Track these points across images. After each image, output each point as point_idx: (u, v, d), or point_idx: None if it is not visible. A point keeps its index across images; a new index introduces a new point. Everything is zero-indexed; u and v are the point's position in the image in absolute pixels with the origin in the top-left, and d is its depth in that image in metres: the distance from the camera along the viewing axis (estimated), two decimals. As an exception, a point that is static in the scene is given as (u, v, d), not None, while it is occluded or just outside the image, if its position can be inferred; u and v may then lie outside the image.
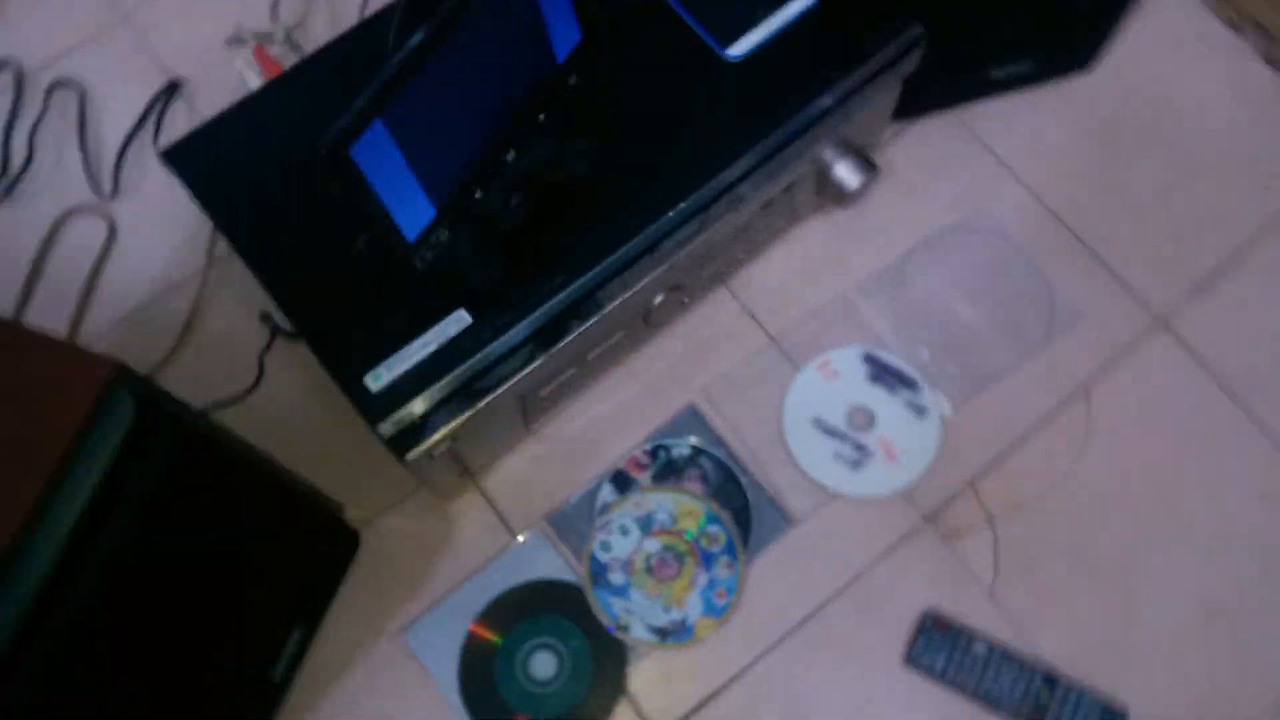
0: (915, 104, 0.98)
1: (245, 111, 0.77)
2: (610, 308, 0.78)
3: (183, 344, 0.96)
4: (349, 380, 0.71)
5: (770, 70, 0.79)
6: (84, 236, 1.00)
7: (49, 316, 0.97)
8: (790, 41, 0.79)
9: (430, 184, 0.62)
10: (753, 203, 0.81)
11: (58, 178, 1.02)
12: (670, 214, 0.75)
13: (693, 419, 0.93)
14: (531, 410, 0.88)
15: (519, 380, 0.77)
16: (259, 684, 0.82)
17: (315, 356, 0.72)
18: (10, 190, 1.01)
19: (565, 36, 0.66)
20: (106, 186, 1.01)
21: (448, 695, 0.86)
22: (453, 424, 0.76)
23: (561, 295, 0.74)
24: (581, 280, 0.74)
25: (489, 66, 0.61)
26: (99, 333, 0.98)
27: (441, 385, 0.71)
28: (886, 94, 0.84)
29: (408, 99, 0.56)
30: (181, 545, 0.63)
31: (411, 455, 0.75)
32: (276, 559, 0.77)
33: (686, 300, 0.92)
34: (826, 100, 0.78)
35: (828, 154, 0.87)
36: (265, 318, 0.73)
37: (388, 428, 0.70)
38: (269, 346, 0.90)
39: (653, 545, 0.89)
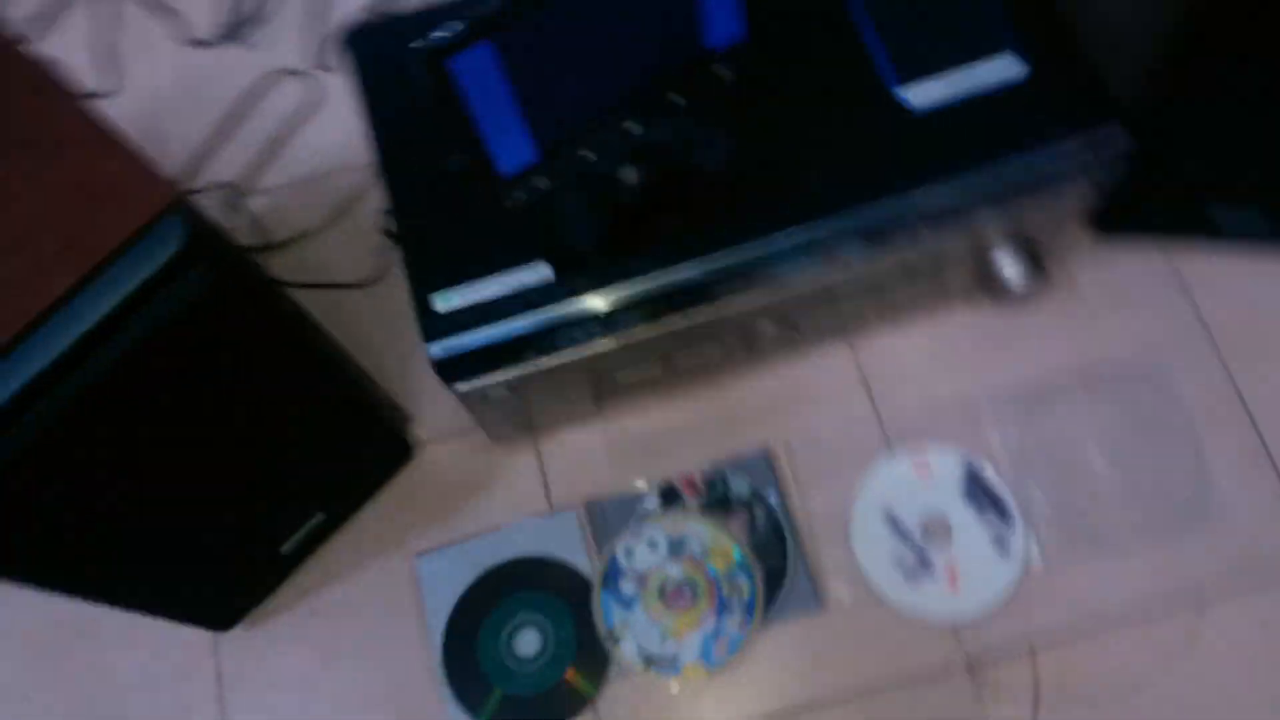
0: (1116, 220, 0.88)
1: (436, 13, 0.79)
2: (702, 316, 0.75)
3: (331, 224, 1.00)
4: (419, 292, 0.71)
5: (943, 122, 0.72)
6: (290, 97, 1.06)
7: (227, 161, 1.04)
8: (975, 100, 0.73)
9: (536, 124, 0.61)
10: (887, 258, 0.75)
11: (283, 33, 1.09)
12: (791, 235, 0.71)
13: (764, 463, 0.88)
14: (605, 391, 0.86)
15: (587, 354, 0.75)
16: (266, 551, 0.84)
17: (402, 262, 0.73)
18: (235, 32, 1.08)
19: (722, 25, 0.63)
20: (327, 56, 1.07)
21: (433, 633, 0.86)
22: (508, 374, 0.75)
23: (651, 282, 0.71)
24: (676, 273, 0.71)
25: (623, 25, 0.59)
26: (264, 187, 1.03)
27: (503, 328, 0.70)
28: (1073, 195, 0.76)
29: (526, 30, 0.55)
30: (212, 388, 0.65)
31: (461, 387, 0.75)
32: (316, 440, 0.79)
33: (799, 339, 0.87)
34: (996, 175, 0.71)
35: (994, 240, 0.79)
36: (385, 216, 0.75)
37: (438, 350, 0.70)
38: (387, 244, 0.93)
39: (675, 570, 0.85)
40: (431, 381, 0.89)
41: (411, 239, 0.73)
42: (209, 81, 1.07)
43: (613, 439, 0.91)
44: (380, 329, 0.96)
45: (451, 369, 0.72)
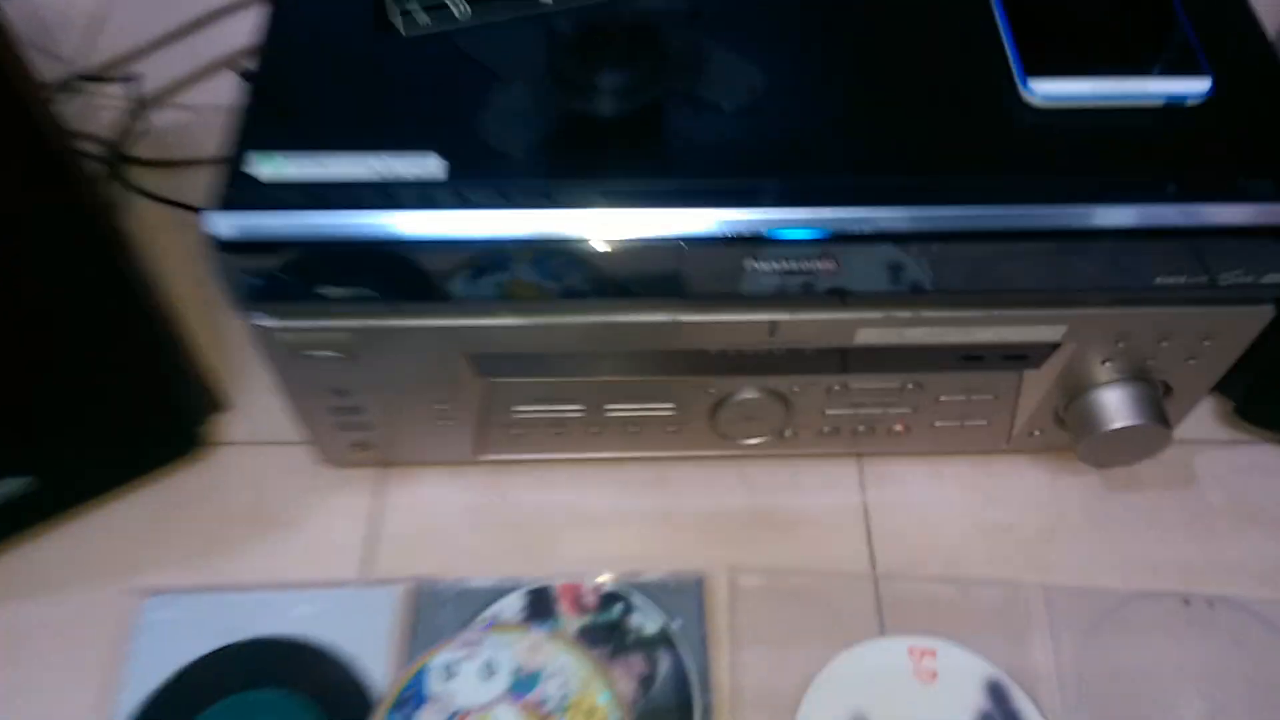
0: (1267, 406, 0.63)
1: None
2: (657, 338, 0.49)
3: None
4: (238, 146, 0.46)
5: (1072, 125, 0.48)
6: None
7: (161, 65, 0.82)
8: (1122, 111, 0.48)
9: None
10: (957, 312, 0.49)
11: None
12: (809, 220, 0.45)
13: (692, 594, 0.58)
14: (493, 426, 0.58)
15: (470, 323, 0.49)
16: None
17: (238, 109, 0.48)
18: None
19: None
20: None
21: (119, 711, 0.54)
22: (340, 320, 0.48)
23: (599, 226, 0.45)
24: (640, 227, 0.45)
25: None
26: (187, 103, 0.81)
27: (349, 228, 0.44)
28: (1248, 314, 0.50)
29: None
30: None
31: (261, 319, 0.48)
32: (67, 368, 0.52)
33: (788, 429, 0.60)
34: (1141, 214, 0.46)
35: (1092, 348, 0.53)
36: (250, 55, 0.50)
37: (229, 228, 0.44)
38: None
39: (507, 717, 0.54)
40: (260, 373, 0.63)
41: (268, 82, 0.48)
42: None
43: (487, 503, 0.62)
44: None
45: (251, 270, 0.45)
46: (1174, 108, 0.48)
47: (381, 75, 0.49)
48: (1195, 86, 0.48)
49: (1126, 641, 0.58)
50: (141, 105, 0.78)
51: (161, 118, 0.79)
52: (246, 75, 0.48)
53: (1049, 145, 0.47)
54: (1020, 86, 0.48)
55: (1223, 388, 0.63)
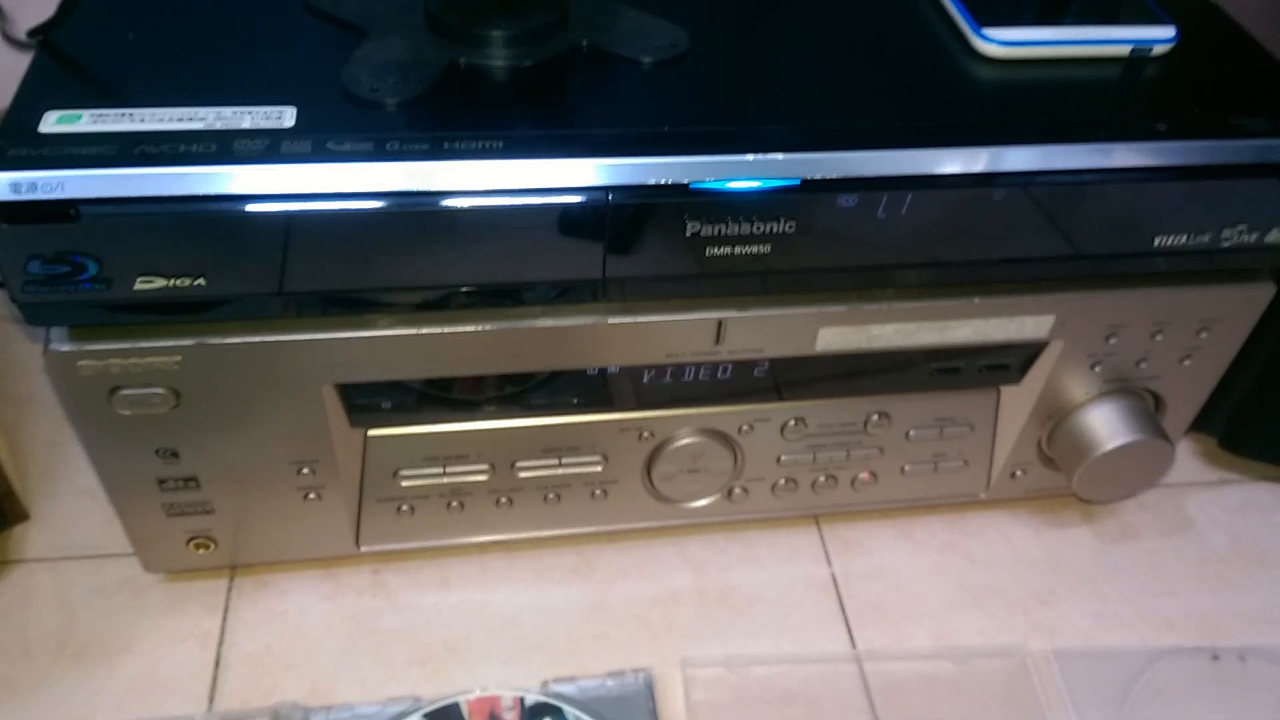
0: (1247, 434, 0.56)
1: None
2: (572, 353, 0.39)
3: None
4: (23, 108, 0.35)
5: (1032, 75, 0.42)
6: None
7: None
8: (1081, 60, 0.43)
9: None
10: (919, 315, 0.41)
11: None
12: (765, 168, 0.37)
13: (640, 700, 0.46)
14: (370, 506, 0.46)
15: (340, 342, 0.38)
16: None
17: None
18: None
19: None
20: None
21: None
22: (160, 341, 0.37)
23: (492, 194, 0.35)
24: (546, 193, 0.36)
25: None
26: None
27: (164, 188, 0.33)
28: (1237, 290, 0.44)
29: None
30: None
31: (52, 333, 0.36)
32: None
33: (736, 491, 0.49)
34: (1129, 160, 0.39)
35: (1080, 347, 0.46)
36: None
37: (7, 188, 0.32)
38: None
39: None
40: (81, 474, 0.51)
41: (73, 35, 0.39)
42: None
43: (369, 609, 0.49)
44: (33, 372, 0.57)
45: (41, 252, 0.34)
46: (1140, 56, 0.43)
47: (219, 26, 0.40)
48: (1161, 33, 0.43)
49: (1160, 709, 0.48)
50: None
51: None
52: (38, 30, 0.38)
53: (1017, 93, 0.41)
54: (975, 36, 0.42)
55: (1202, 424, 0.56)
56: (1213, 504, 0.58)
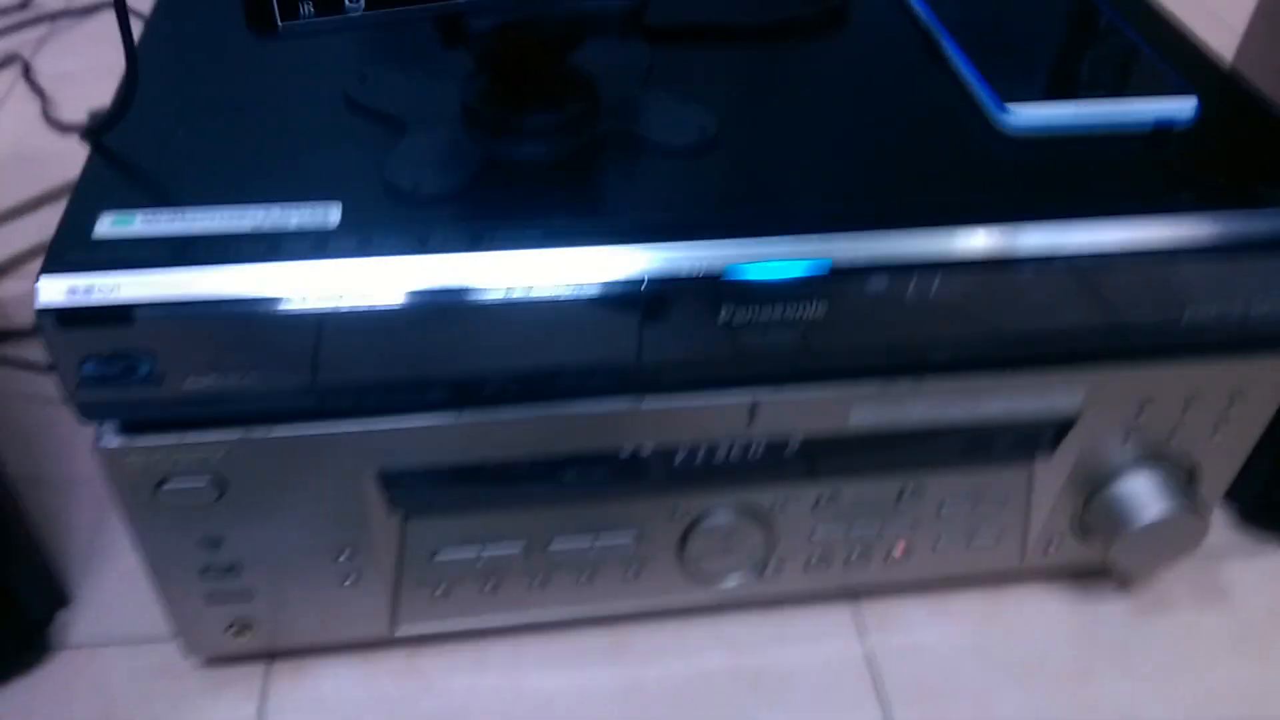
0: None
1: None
2: (605, 435, 0.40)
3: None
4: (78, 212, 0.36)
5: (1054, 153, 0.43)
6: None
7: (19, 232, 0.73)
8: (1107, 138, 0.44)
9: None
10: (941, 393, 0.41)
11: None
12: (798, 252, 0.38)
13: (678, 782, 0.45)
14: (407, 590, 0.46)
15: (383, 433, 0.39)
16: None
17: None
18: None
19: None
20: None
21: None
22: (205, 435, 0.37)
23: (532, 284, 0.36)
24: (582, 284, 0.36)
25: None
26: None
27: (213, 291, 0.34)
28: (1269, 360, 0.44)
29: None
30: None
31: (102, 428, 0.37)
32: None
33: (769, 569, 0.49)
34: (1156, 245, 0.40)
35: (1111, 420, 0.46)
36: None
37: (63, 292, 0.34)
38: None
39: None
40: (120, 557, 0.51)
41: (123, 138, 0.40)
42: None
43: (406, 695, 0.49)
44: (75, 454, 0.58)
45: (95, 353, 0.35)
46: (1162, 131, 0.44)
47: (264, 122, 0.41)
48: (1182, 106, 0.44)
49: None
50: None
51: (8, 288, 0.69)
52: (90, 132, 0.40)
53: (1042, 170, 0.42)
54: (995, 115, 0.43)
55: (1231, 494, 0.56)
56: (1249, 572, 0.57)
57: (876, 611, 0.54)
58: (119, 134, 0.40)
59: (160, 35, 0.47)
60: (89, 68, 0.91)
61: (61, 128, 0.83)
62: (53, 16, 0.98)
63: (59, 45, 0.95)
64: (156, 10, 0.49)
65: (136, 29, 0.42)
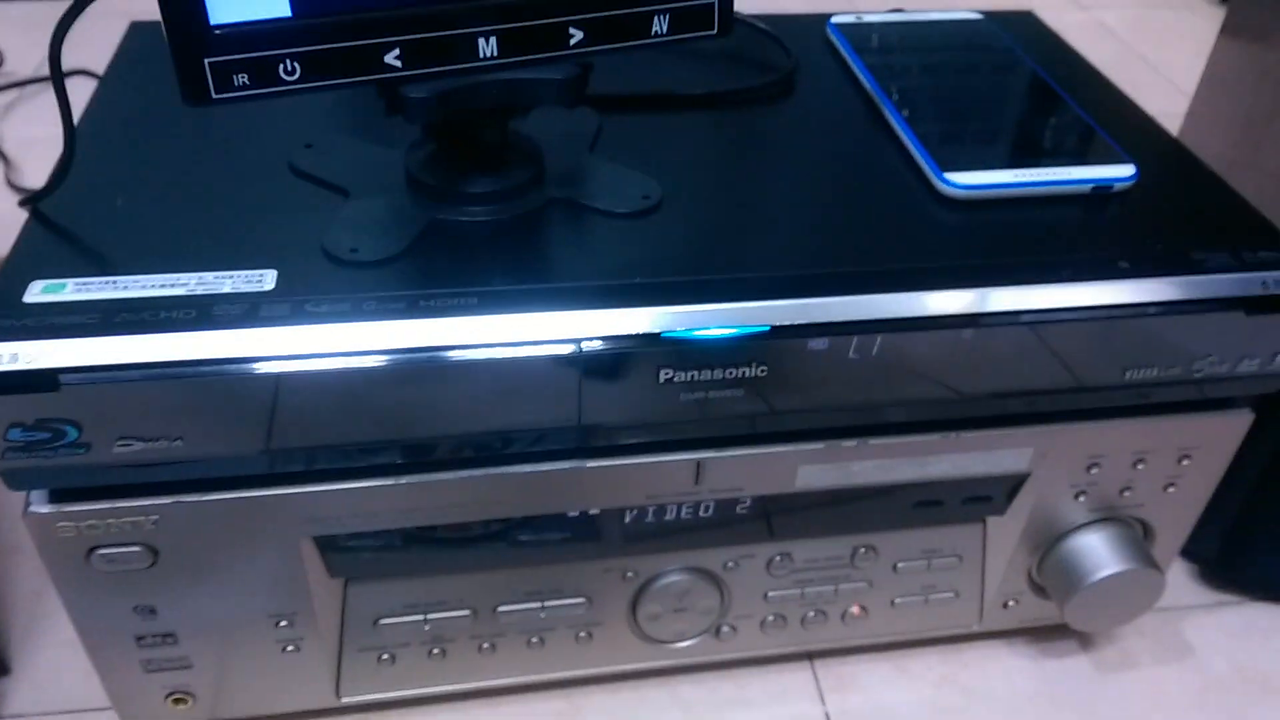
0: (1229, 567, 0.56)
1: None
2: (556, 465, 0.39)
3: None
4: (9, 279, 0.36)
5: (1001, 227, 0.43)
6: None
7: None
8: (1047, 198, 0.44)
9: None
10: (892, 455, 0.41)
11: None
12: (736, 315, 0.38)
13: None
14: (349, 655, 0.45)
15: (318, 495, 0.38)
16: None
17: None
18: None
19: None
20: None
21: None
22: (137, 501, 0.37)
23: (470, 349, 0.36)
24: (520, 347, 0.36)
25: None
26: None
27: (145, 376, 0.34)
28: (1215, 417, 0.45)
29: None
30: None
31: (32, 494, 0.36)
32: None
33: (724, 629, 0.49)
34: (1108, 310, 0.40)
35: (1061, 477, 0.46)
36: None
37: (-10, 362, 0.33)
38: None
39: None
40: (61, 626, 0.50)
41: (58, 205, 0.40)
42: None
43: (351, 761, 0.48)
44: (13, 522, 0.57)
45: (21, 421, 0.34)
46: (1100, 193, 0.44)
47: (208, 189, 0.41)
48: (1120, 171, 0.44)
49: None
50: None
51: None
52: (30, 200, 0.40)
53: (981, 234, 0.42)
54: (937, 180, 0.44)
55: (1189, 551, 0.56)
56: (1211, 628, 0.57)
57: (836, 671, 0.53)
58: (59, 202, 0.40)
59: (107, 103, 0.47)
60: (55, 133, 0.91)
61: (25, 192, 0.83)
62: (21, 83, 0.98)
63: (26, 111, 0.95)
64: (106, 78, 0.49)
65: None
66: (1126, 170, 0.45)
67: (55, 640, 0.52)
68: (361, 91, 0.35)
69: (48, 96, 0.98)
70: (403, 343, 0.35)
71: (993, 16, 0.59)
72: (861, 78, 0.52)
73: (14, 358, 0.33)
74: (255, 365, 0.34)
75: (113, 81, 0.49)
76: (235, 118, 0.44)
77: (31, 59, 1.03)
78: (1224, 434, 0.46)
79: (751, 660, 0.52)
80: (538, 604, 0.46)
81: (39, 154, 0.88)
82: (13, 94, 0.98)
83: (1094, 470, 0.46)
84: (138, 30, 0.53)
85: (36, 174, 0.86)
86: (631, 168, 0.44)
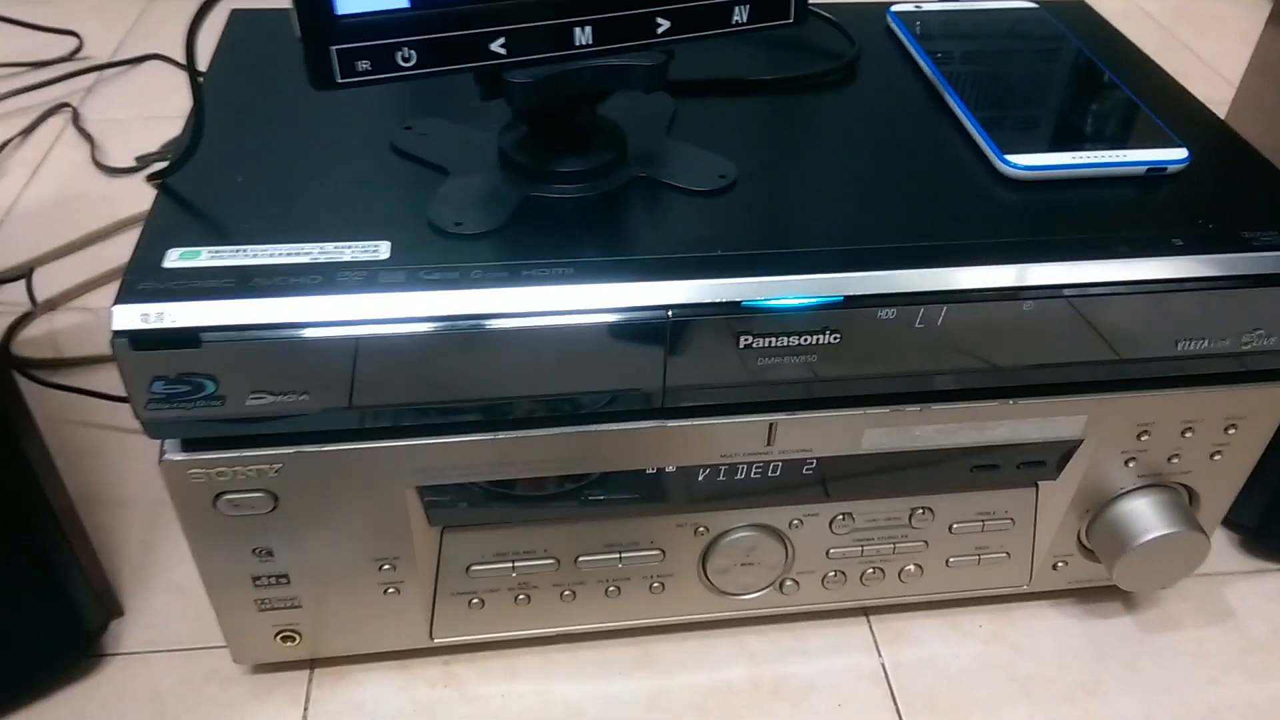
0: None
1: None
2: (640, 425, 0.43)
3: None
4: (149, 247, 0.40)
5: (1061, 206, 0.46)
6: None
7: (66, 270, 0.77)
8: (1104, 190, 0.47)
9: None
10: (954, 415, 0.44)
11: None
12: (811, 286, 0.41)
13: (699, 787, 0.48)
14: (444, 598, 0.49)
15: (424, 448, 0.42)
16: None
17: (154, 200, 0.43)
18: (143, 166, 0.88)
19: None
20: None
21: None
22: (261, 451, 0.41)
23: (564, 315, 0.39)
24: (611, 312, 0.40)
25: None
26: (88, 306, 0.75)
27: (277, 335, 0.38)
28: (1262, 388, 0.47)
29: None
30: None
31: (167, 443, 0.40)
32: None
33: (788, 584, 0.52)
34: (1157, 282, 0.43)
35: (1113, 444, 0.49)
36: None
37: (137, 318, 0.37)
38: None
39: None
40: (169, 572, 0.54)
41: (188, 181, 0.44)
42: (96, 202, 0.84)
43: (441, 700, 0.52)
44: (125, 476, 0.61)
45: (164, 374, 0.38)
46: (1154, 175, 0.47)
47: (317, 168, 0.44)
48: (1173, 154, 0.47)
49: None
50: (37, 306, 0.73)
51: (60, 321, 0.73)
52: (159, 175, 0.43)
53: (1040, 212, 0.45)
54: (999, 161, 0.46)
55: (1230, 522, 0.58)
56: (1252, 593, 0.59)
57: (892, 626, 0.56)
58: (183, 178, 0.44)
59: (216, 87, 0.50)
60: (134, 115, 0.96)
61: (108, 171, 0.87)
62: (99, 67, 1.03)
63: (106, 93, 1.00)
64: (214, 63, 0.52)
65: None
66: (1179, 153, 0.47)
67: (163, 585, 0.56)
68: (452, 77, 0.39)
69: (125, 79, 1.02)
70: (505, 308, 0.39)
71: (1046, 4, 0.61)
72: (922, 63, 0.54)
73: (160, 317, 0.37)
74: (378, 327, 0.38)
75: (219, 67, 0.52)
76: (335, 101, 0.48)
77: (108, 43, 1.08)
78: (1270, 404, 0.48)
79: (812, 614, 0.55)
80: (615, 555, 0.49)
81: (120, 134, 0.93)
82: (91, 78, 1.02)
83: (1144, 438, 0.49)
84: (237, 18, 0.57)
85: (119, 154, 0.90)
86: (707, 149, 0.47)
